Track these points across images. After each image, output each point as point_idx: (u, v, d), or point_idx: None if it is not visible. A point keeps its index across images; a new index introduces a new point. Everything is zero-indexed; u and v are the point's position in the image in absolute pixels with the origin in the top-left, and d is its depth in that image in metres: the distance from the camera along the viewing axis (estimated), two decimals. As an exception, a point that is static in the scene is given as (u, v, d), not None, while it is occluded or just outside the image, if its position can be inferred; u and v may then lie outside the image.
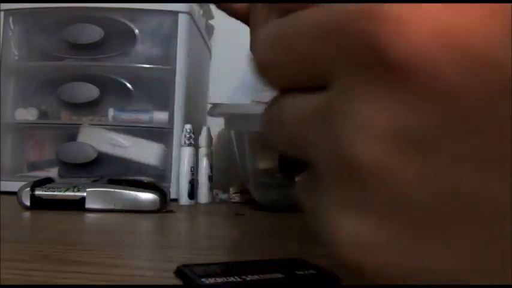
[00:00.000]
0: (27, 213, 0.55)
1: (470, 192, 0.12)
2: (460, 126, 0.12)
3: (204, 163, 0.72)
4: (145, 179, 0.71)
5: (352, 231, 0.14)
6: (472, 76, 0.12)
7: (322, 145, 0.14)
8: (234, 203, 0.73)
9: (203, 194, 0.71)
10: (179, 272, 0.28)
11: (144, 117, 0.78)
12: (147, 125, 0.77)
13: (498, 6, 0.12)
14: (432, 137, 0.12)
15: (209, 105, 0.69)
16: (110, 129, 0.77)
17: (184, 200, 0.69)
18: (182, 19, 0.77)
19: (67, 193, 0.57)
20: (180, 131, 0.72)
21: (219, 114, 0.67)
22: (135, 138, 0.77)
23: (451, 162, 0.12)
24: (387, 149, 0.13)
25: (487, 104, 0.12)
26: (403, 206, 0.13)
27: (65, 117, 0.80)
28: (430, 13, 0.12)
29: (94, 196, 0.57)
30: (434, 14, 0.12)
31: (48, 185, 0.58)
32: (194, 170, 0.71)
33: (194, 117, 0.80)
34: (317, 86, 0.15)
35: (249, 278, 0.26)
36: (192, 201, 0.70)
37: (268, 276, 0.26)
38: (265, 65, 0.17)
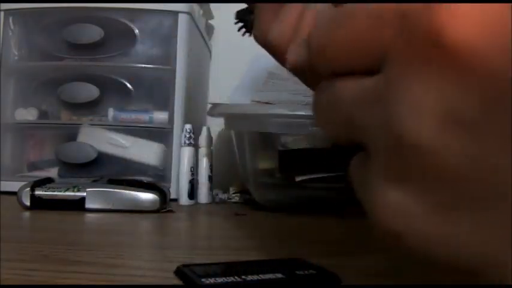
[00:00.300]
0: (27, 213, 0.55)
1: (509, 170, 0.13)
2: (504, 112, 0.13)
3: (204, 163, 0.72)
4: (145, 179, 0.71)
5: (398, 201, 0.15)
6: None
7: (378, 124, 0.15)
8: (234, 203, 0.73)
9: (203, 194, 0.71)
10: (179, 272, 0.28)
11: (144, 117, 0.78)
12: (147, 125, 0.77)
13: None
14: (479, 120, 0.13)
15: (209, 105, 0.69)
16: (110, 129, 0.77)
17: (184, 200, 0.69)
18: (182, 19, 0.77)
19: (67, 193, 0.57)
20: (180, 131, 0.72)
21: (219, 114, 0.67)
22: (135, 138, 0.77)
23: (495, 145, 0.13)
24: (437, 128, 0.14)
25: None
26: (448, 181, 0.14)
27: (65, 117, 0.80)
28: (482, 5, 0.13)
29: (94, 196, 0.57)
30: (485, 6, 0.13)
31: (48, 185, 0.58)
32: (194, 170, 0.70)
33: (194, 117, 0.80)
34: (370, 70, 0.16)
35: (249, 278, 0.26)
36: (192, 201, 0.70)
37: (268, 276, 0.26)
38: (322, 48, 0.18)
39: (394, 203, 0.15)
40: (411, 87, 0.14)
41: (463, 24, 0.13)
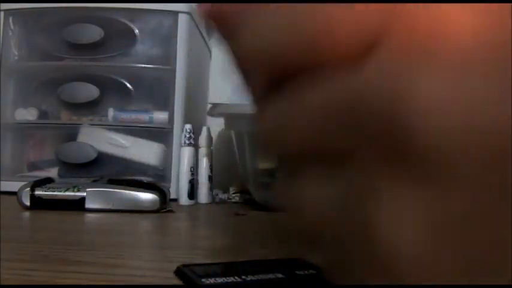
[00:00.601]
0: (27, 213, 0.55)
1: None
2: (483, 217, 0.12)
3: (204, 163, 0.72)
4: (145, 179, 0.71)
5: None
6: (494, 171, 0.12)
7: (351, 233, 0.14)
8: (234, 203, 0.73)
9: (203, 194, 0.71)
10: (179, 272, 0.28)
11: (144, 117, 0.78)
12: (147, 125, 0.77)
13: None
14: (465, 229, 0.12)
15: (209, 105, 0.69)
16: (110, 129, 0.77)
17: (184, 200, 0.69)
18: (182, 19, 0.77)
19: (67, 193, 0.57)
20: (180, 131, 0.72)
21: (219, 114, 0.67)
22: (135, 138, 0.77)
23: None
24: (422, 239, 0.12)
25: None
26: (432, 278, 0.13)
27: (65, 117, 0.80)
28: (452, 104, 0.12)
29: (94, 196, 0.57)
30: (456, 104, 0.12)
31: (48, 185, 0.58)
32: (194, 170, 0.70)
33: (194, 117, 0.80)
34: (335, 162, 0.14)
35: (249, 278, 0.26)
36: (192, 201, 0.70)
37: (268, 276, 0.26)
38: (274, 143, 0.16)
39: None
40: (387, 197, 0.13)
41: (439, 128, 0.12)
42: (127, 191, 0.58)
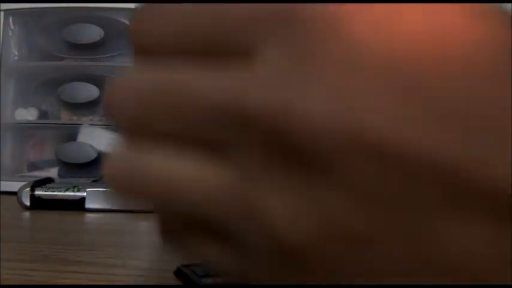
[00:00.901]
0: (27, 213, 0.55)
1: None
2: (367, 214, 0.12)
3: (204, 163, 0.72)
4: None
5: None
6: (368, 164, 0.12)
7: (242, 222, 0.13)
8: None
9: (203, 194, 0.71)
10: (179, 272, 0.28)
11: (144, 117, 0.78)
12: (147, 125, 0.77)
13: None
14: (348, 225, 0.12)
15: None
16: (110, 129, 0.77)
17: (184, 200, 0.69)
18: (182, 19, 0.77)
19: (67, 193, 0.57)
20: (180, 131, 0.72)
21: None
22: (135, 138, 0.77)
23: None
24: (317, 235, 0.13)
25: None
26: (334, 274, 0.13)
27: (65, 117, 0.80)
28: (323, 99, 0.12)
29: (94, 196, 0.57)
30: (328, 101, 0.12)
31: (48, 185, 0.58)
32: (194, 170, 0.70)
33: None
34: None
35: (249, 278, 0.26)
36: (192, 201, 0.70)
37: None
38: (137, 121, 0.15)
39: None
40: (272, 191, 0.13)
41: (310, 126, 0.12)
42: (127, 191, 0.58)
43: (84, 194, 0.57)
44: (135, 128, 0.15)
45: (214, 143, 0.13)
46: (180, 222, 0.16)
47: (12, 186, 0.64)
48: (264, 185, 0.13)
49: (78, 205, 0.56)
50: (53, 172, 0.77)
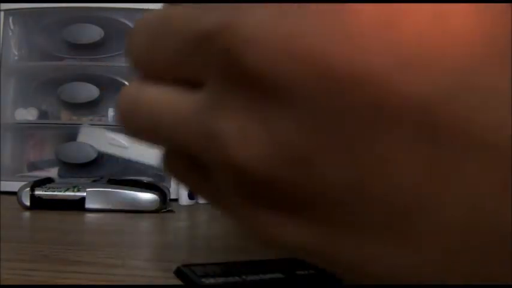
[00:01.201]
0: (27, 213, 0.55)
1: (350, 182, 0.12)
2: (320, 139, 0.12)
3: (204, 163, 0.72)
4: (145, 179, 0.71)
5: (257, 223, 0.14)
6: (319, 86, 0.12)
7: (205, 146, 0.14)
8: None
9: (203, 194, 0.71)
10: (179, 272, 0.28)
11: (144, 117, 0.78)
12: (147, 125, 0.77)
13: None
14: (304, 148, 0.13)
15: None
16: (110, 129, 0.77)
17: (184, 200, 0.69)
18: (182, 19, 0.76)
19: (67, 193, 0.57)
20: (180, 131, 0.72)
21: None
22: (135, 138, 0.77)
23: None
24: (267, 157, 0.13)
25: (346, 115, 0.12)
26: (294, 203, 0.13)
27: (65, 117, 0.80)
28: (275, 24, 0.12)
29: (94, 196, 0.57)
30: (277, 24, 0.12)
31: (48, 185, 0.58)
32: (194, 170, 0.70)
33: (194, 117, 0.80)
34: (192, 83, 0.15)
35: (249, 278, 0.26)
36: (192, 201, 0.70)
37: (268, 276, 0.26)
38: (140, 60, 0.17)
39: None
40: (230, 115, 0.13)
41: (258, 49, 0.12)
42: (127, 191, 0.58)
43: (84, 194, 0.57)
44: (141, 66, 0.17)
45: (193, 75, 0.15)
46: (169, 151, 0.18)
47: (12, 186, 0.64)
48: (222, 109, 0.14)
49: (78, 205, 0.57)
50: (53, 172, 0.77)
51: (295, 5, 0.12)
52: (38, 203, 0.56)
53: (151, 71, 0.16)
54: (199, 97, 0.14)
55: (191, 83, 0.15)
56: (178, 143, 0.16)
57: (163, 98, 0.16)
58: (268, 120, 0.13)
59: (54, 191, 0.57)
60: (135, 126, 0.17)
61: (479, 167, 0.11)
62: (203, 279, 0.25)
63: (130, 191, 0.58)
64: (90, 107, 0.79)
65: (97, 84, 0.78)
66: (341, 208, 0.13)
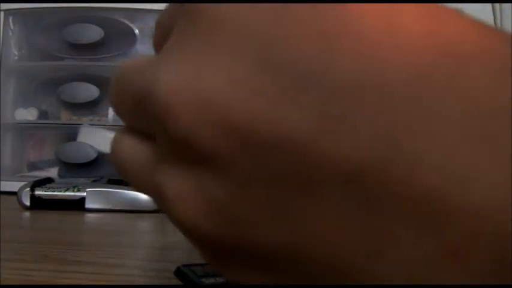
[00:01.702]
0: (27, 213, 0.55)
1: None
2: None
3: (204, 163, 0.72)
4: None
5: None
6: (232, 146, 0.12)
7: (156, 199, 0.15)
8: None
9: (203, 194, 0.71)
10: (179, 272, 0.28)
11: (144, 117, 0.78)
12: (147, 125, 0.77)
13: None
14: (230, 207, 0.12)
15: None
16: (110, 129, 0.77)
17: (184, 200, 0.69)
18: (182, 19, 0.76)
19: (67, 193, 0.57)
20: (180, 131, 0.72)
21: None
22: (135, 138, 0.77)
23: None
24: (205, 215, 0.13)
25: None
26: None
27: (65, 117, 0.80)
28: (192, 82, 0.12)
29: (94, 196, 0.57)
30: (195, 83, 0.12)
31: (48, 185, 0.58)
32: (194, 170, 0.70)
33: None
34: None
35: (249, 278, 0.26)
36: (192, 201, 0.70)
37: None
38: (115, 110, 0.18)
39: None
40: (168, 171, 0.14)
41: (177, 112, 0.12)
42: (127, 191, 0.58)
43: (84, 194, 0.57)
44: (118, 115, 0.18)
45: (147, 129, 0.15)
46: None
47: (12, 186, 0.64)
48: (164, 166, 0.14)
49: (78, 205, 0.56)
50: (53, 172, 0.77)
51: (211, 58, 0.12)
52: (38, 203, 0.56)
53: (124, 121, 0.17)
54: (152, 150, 0.15)
55: (150, 135, 0.15)
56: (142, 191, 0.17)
57: (129, 147, 0.17)
58: (201, 182, 0.13)
59: (54, 191, 0.57)
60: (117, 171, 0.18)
61: (414, 235, 0.11)
62: (203, 279, 0.25)
63: (130, 191, 0.58)
64: (90, 107, 0.79)
65: (97, 84, 0.78)
66: (279, 264, 0.13)
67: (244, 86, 0.12)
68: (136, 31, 0.78)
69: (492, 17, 0.74)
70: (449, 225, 0.10)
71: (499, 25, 0.73)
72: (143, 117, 0.15)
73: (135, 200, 0.58)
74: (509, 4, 0.74)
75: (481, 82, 0.11)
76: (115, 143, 0.18)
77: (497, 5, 0.74)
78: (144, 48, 0.79)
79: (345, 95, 0.11)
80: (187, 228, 0.14)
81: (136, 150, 0.16)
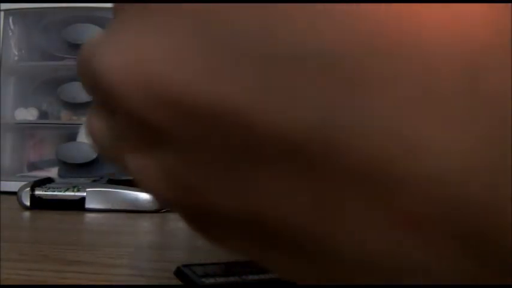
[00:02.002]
0: (27, 213, 0.55)
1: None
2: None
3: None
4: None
5: None
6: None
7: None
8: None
9: (203, 194, 0.71)
10: (179, 272, 0.28)
11: (144, 117, 0.78)
12: (147, 125, 0.77)
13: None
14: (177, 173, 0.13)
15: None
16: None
17: (184, 200, 0.69)
18: (182, 19, 0.77)
19: (67, 193, 0.57)
20: (180, 131, 0.72)
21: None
22: (135, 138, 0.77)
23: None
24: (168, 189, 0.13)
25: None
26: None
27: (65, 117, 0.80)
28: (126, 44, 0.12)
29: (94, 196, 0.57)
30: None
31: (48, 185, 0.58)
32: (194, 170, 0.70)
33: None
34: None
35: (249, 278, 0.26)
36: (192, 201, 0.70)
37: (268, 276, 0.26)
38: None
39: None
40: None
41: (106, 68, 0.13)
42: (127, 191, 0.58)
43: (84, 194, 0.57)
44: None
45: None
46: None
47: (12, 186, 0.64)
48: (123, 145, 0.14)
49: (78, 205, 0.57)
50: (53, 172, 0.77)
51: (150, 36, 0.12)
52: (38, 203, 0.56)
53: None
54: (112, 125, 0.15)
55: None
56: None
57: (97, 122, 0.17)
58: (157, 156, 0.13)
59: (54, 191, 0.57)
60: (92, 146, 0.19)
61: (364, 205, 0.11)
62: (203, 279, 0.25)
63: (130, 191, 0.58)
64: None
65: (97, 84, 0.78)
66: (240, 229, 0.13)
67: (183, 62, 0.11)
68: (136, 31, 0.78)
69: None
70: (401, 193, 0.10)
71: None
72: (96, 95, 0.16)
73: (135, 200, 0.58)
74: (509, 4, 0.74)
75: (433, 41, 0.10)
76: (87, 118, 0.18)
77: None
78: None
79: (285, 66, 0.10)
80: (157, 198, 0.14)
81: (102, 126, 0.17)
